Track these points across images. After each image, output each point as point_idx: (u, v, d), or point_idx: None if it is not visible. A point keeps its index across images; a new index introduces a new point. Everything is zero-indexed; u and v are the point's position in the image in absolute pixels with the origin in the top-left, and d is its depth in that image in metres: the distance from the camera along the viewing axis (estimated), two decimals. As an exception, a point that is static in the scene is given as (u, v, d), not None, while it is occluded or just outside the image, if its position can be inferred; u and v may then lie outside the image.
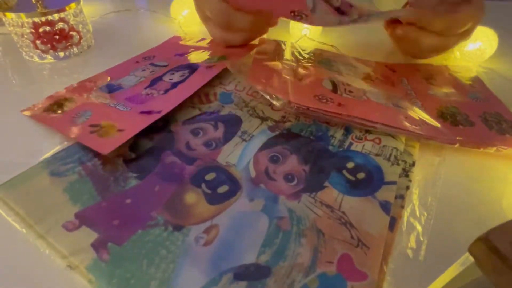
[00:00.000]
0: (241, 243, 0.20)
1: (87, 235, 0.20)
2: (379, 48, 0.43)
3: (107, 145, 0.25)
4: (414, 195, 0.24)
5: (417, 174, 0.25)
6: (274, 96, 0.27)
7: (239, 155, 0.26)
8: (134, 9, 0.50)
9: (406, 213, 0.22)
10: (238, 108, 0.30)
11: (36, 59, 0.39)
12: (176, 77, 0.34)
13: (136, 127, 0.27)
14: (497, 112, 0.30)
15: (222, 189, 0.23)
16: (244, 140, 0.27)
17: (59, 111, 0.29)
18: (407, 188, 0.24)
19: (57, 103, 0.31)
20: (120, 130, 0.26)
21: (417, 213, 0.23)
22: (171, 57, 0.39)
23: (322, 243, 0.20)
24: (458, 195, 0.24)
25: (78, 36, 0.40)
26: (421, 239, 0.21)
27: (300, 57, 0.35)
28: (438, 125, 0.28)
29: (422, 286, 0.18)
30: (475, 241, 0.12)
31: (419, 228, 0.22)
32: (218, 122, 0.29)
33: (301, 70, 0.33)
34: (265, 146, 0.26)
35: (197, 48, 0.40)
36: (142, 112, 0.29)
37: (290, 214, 0.21)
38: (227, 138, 0.27)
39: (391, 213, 0.22)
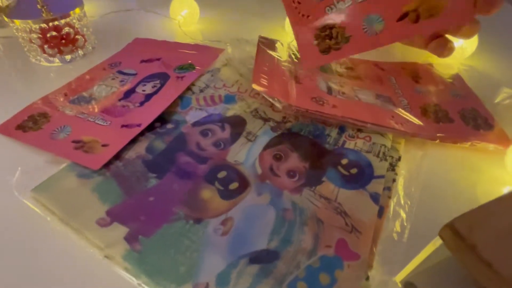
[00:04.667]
0: (253, 232, 0.23)
1: (119, 230, 0.23)
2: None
3: (96, 161, 0.27)
4: (400, 186, 0.27)
5: (402, 168, 0.29)
6: (276, 99, 0.30)
7: (246, 154, 0.29)
8: (134, 9, 0.51)
9: (392, 203, 0.26)
10: (242, 110, 0.33)
11: (44, 62, 0.41)
12: (148, 88, 0.35)
13: (120, 142, 0.29)
14: (474, 109, 0.34)
15: (233, 186, 0.26)
16: (249, 140, 0.30)
17: (34, 128, 0.30)
18: (394, 180, 0.27)
19: (32, 119, 0.32)
20: (104, 145, 0.28)
21: (402, 202, 0.26)
22: (137, 63, 0.40)
23: (321, 230, 0.23)
24: (438, 184, 0.28)
25: (83, 39, 0.42)
26: (405, 224, 0.25)
27: (296, 60, 0.38)
28: (421, 123, 0.31)
29: (404, 263, 0.22)
30: (443, 227, 0.16)
31: (403, 215, 0.25)
32: (225, 124, 0.31)
33: (298, 72, 0.35)
34: (268, 145, 0.29)
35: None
36: (123, 126, 0.30)
37: (294, 206, 0.25)
38: (234, 138, 0.30)
39: (380, 203, 0.25)
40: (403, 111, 0.32)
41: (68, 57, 0.41)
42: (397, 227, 0.24)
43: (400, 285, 0.21)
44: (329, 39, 0.32)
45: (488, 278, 0.14)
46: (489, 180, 0.29)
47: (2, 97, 0.36)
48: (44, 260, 0.22)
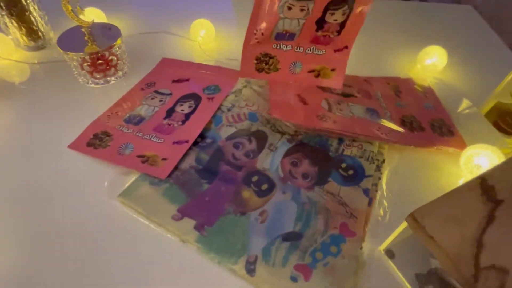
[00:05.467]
0: (283, 220, 0.33)
1: (189, 222, 0.32)
2: (360, 63, 0.54)
3: (162, 172, 0.36)
4: (383, 182, 0.38)
5: (385, 168, 0.39)
6: (289, 122, 0.39)
7: (270, 162, 0.38)
8: (161, 32, 0.58)
9: (378, 195, 0.36)
10: (263, 125, 0.42)
11: (91, 84, 0.49)
12: (185, 108, 0.44)
13: (176, 156, 0.37)
14: (441, 119, 0.44)
15: (264, 187, 0.36)
16: (271, 150, 0.39)
17: (102, 145, 0.39)
18: (379, 178, 0.38)
19: (97, 137, 0.40)
20: (164, 159, 0.37)
21: (385, 194, 0.37)
22: (169, 83, 0.48)
23: (330, 217, 0.33)
24: (411, 180, 0.38)
25: (122, 63, 0.50)
26: (387, 210, 0.35)
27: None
28: (401, 129, 0.41)
29: (386, 237, 0.32)
30: (407, 216, 0.26)
31: (385, 203, 0.36)
32: (251, 137, 0.41)
33: (304, 93, 0.44)
34: (286, 154, 0.39)
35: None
36: (174, 142, 0.39)
37: (309, 200, 0.35)
38: (259, 149, 0.39)
39: (369, 195, 0.36)
40: (386, 121, 0.42)
41: (111, 79, 0.49)
42: (381, 212, 0.35)
43: (383, 252, 0.32)
44: (265, 64, 0.45)
45: (431, 245, 0.25)
46: (448, 175, 0.39)
47: (64, 117, 0.44)
48: (136, 244, 0.32)
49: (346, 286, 0.29)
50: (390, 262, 0.31)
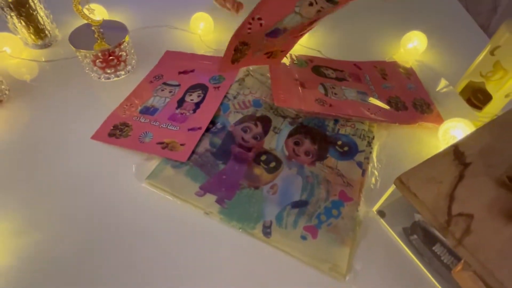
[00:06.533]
0: (291, 191, 0.39)
1: (211, 197, 0.38)
2: (350, 48, 0.59)
3: (182, 155, 0.41)
4: (374, 155, 0.44)
5: (375, 143, 0.45)
6: (291, 109, 0.44)
7: (276, 143, 0.43)
8: (163, 26, 0.61)
9: (370, 166, 0.42)
10: (267, 111, 0.47)
11: (103, 79, 0.52)
12: (195, 97, 0.48)
13: (192, 141, 0.42)
14: (422, 98, 0.50)
15: (272, 164, 0.41)
16: (276, 133, 0.44)
17: (123, 135, 0.43)
18: (370, 152, 0.43)
19: (117, 128, 0.44)
20: (182, 144, 0.42)
21: (375, 165, 0.43)
22: (176, 75, 0.52)
23: (330, 186, 0.39)
24: (397, 152, 0.44)
25: (131, 58, 0.53)
26: (377, 179, 0.41)
27: (296, 62, 0.52)
28: (388, 107, 0.47)
29: (377, 200, 0.38)
30: (395, 179, 0.32)
31: (376, 173, 0.42)
32: (257, 122, 0.46)
33: (302, 77, 0.49)
34: (289, 135, 0.44)
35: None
36: (189, 129, 0.44)
37: (312, 174, 0.40)
38: (265, 132, 0.45)
39: (363, 167, 0.41)
40: (376, 101, 0.47)
41: (121, 73, 0.53)
42: (373, 181, 0.41)
43: (375, 212, 0.38)
44: (239, 54, 0.43)
45: (415, 201, 0.31)
46: (428, 147, 0.45)
47: (81, 111, 0.48)
48: (167, 219, 0.37)
49: (346, 241, 0.35)
50: (381, 220, 0.38)
